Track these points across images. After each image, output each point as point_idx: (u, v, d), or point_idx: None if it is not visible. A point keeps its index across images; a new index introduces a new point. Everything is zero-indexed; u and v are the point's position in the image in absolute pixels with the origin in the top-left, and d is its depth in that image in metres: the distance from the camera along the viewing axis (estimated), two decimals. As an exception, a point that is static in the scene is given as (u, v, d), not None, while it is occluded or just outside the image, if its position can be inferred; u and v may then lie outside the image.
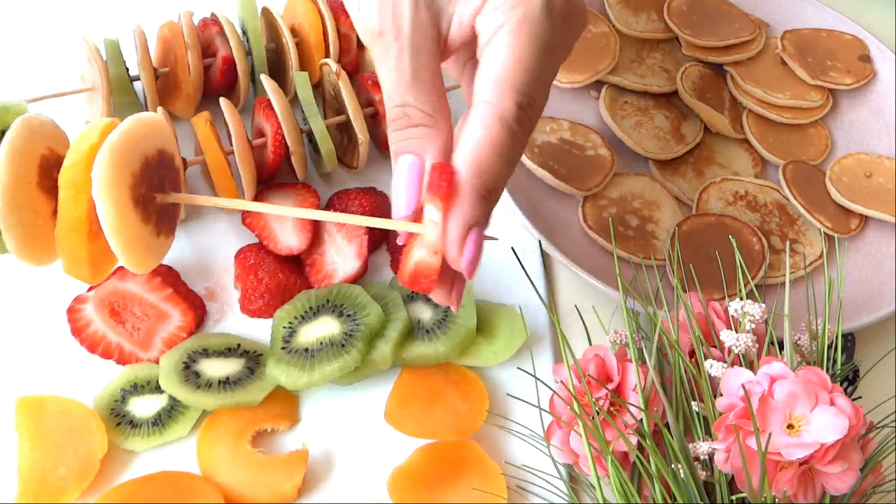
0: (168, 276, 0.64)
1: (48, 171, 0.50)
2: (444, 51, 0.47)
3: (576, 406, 0.51)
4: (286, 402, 0.61)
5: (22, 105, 0.52)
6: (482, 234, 0.45)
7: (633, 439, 0.51)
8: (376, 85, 0.70)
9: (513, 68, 0.44)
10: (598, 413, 0.51)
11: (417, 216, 0.46)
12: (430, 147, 0.45)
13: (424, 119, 0.45)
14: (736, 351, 0.52)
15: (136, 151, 0.49)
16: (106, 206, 0.47)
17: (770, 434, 0.46)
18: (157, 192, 0.51)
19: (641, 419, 0.51)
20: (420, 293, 0.55)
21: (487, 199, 0.45)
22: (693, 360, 0.54)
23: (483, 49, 0.46)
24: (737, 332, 0.52)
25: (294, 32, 0.74)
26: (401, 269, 0.47)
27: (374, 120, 0.71)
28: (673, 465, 0.49)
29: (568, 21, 0.47)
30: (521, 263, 0.61)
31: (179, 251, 0.68)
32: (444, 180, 0.44)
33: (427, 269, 0.45)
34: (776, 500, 0.47)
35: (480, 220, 0.44)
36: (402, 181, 0.46)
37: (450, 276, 0.48)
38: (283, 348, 0.61)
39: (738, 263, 0.57)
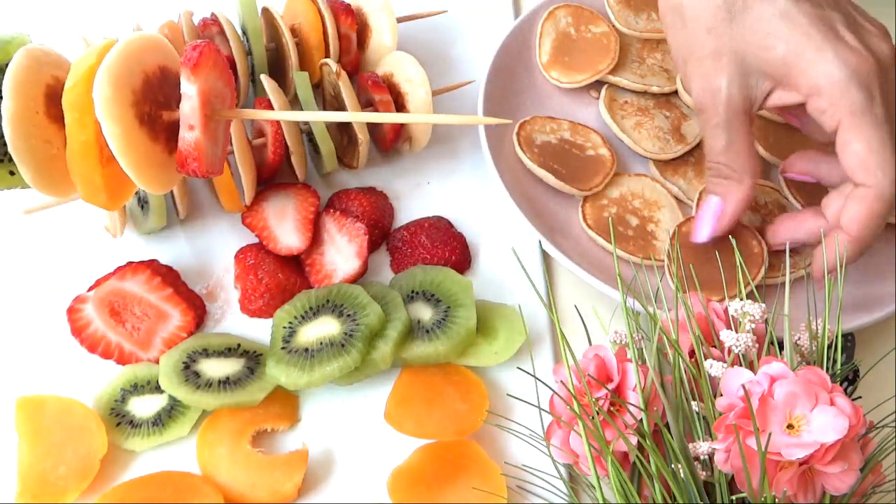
0: (168, 276, 0.64)
1: (55, 99, 0.50)
2: (753, 118, 0.61)
3: (576, 406, 0.51)
4: (286, 402, 0.61)
5: (24, 37, 0.52)
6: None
7: (633, 439, 0.51)
8: (376, 85, 0.70)
9: (869, 155, 0.56)
10: (598, 413, 0.51)
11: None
12: (732, 195, 0.61)
13: (732, 175, 0.61)
14: (736, 351, 0.51)
15: (135, 68, 0.49)
16: (110, 125, 0.47)
17: (770, 434, 0.46)
18: (164, 109, 0.50)
19: (641, 419, 0.51)
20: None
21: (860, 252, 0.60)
22: (693, 360, 0.54)
23: (834, 134, 0.57)
24: (737, 332, 0.52)
25: (294, 32, 0.74)
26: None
27: (374, 120, 0.71)
28: (673, 465, 0.49)
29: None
30: (521, 263, 0.61)
31: (179, 251, 0.68)
32: (202, 52, 0.49)
33: (186, 146, 0.50)
34: (776, 500, 0.47)
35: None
36: (706, 213, 0.63)
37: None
38: (283, 348, 0.61)
39: (738, 264, 0.57)
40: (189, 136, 0.49)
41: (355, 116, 0.64)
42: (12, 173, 0.51)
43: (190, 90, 0.49)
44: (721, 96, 0.58)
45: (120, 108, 0.47)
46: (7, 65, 0.49)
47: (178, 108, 0.50)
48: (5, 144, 0.49)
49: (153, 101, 0.50)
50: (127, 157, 0.48)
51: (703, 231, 0.63)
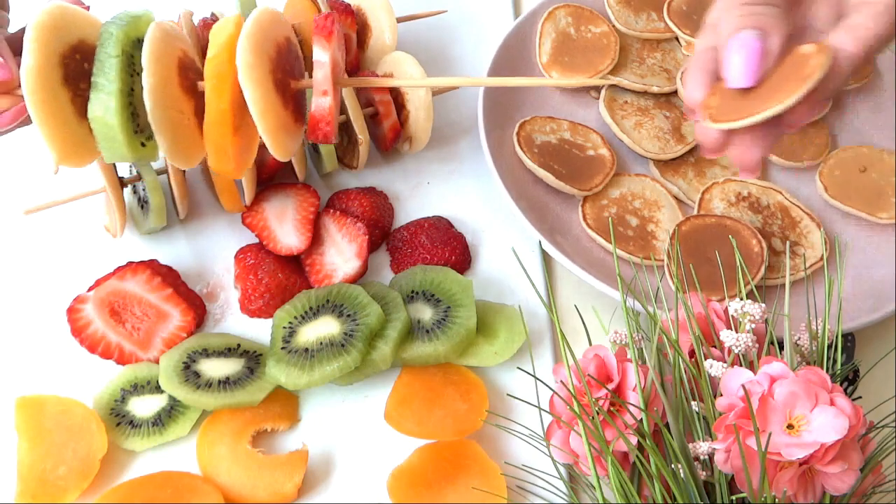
0: (168, 276, 0.64)
1: (185, 71, 0.52)
2: None
3: (576, 406, 0.51)
4: (286, 402, 0.61)
5: (149, 14, 0.54)
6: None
7: (633, 439, 0.51)
8: (376, 85, 0.70)
9: None
10: (598, 413, 0.51)
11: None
12: (777, 27, 0.48)
13: (779, 1, 0.48)
14: (736, 351, 0.51)
15: (269, 38, 0.51)
16: (252, 90, 0.49)
17: (770, 434, 0.46)
18: (291, 78, 0.53)
19: (641, 419, 0.51)
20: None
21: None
22: (693, 360, 0.54)
23: None
24: (737, 332, 0.52)
25: (294, 32, 0.74)
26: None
27: (374, 120, 0.71)
28: (673, 465, 0.49)
29: None
30: (521, 263, 0.61)
31: (179, 251, 0.68)
32: (333, 23, 0.52)
33: (319, 111, 0.53)
34: (776, 500, 0.47)
35: None
36: (744, 52, 0.48)
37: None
38: (283, 348, 0.61)
39: (738, 264, 0.57)
40: (323, 101, 0.52)
41: (464, 82, 0.70)
42: (143, 144, 0.52)
43: (323, 58, 0.51)
44: None
45: (261, 75, 0.50)
46: (140, 40, 0.51)
47: (301, 77, 0.53)
48: (137, 115, 0.51)
49: (283, 70, 0.52)
50: (266, 121, 0.50)
51: (746, 73, 0.49)
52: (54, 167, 0.51)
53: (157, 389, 0.60)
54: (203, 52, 0.70)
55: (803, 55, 0.48)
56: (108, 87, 0.49)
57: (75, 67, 0.51)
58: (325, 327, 0.61)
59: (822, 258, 0.68)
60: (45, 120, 0.49)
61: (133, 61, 0.51)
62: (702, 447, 0.49)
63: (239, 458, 0.58)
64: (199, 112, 0.52)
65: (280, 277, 0.65)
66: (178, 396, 0.59)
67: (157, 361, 0.61)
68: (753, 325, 0.52)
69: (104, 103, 0.49)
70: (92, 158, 0.52)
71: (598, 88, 0.77)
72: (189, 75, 0.52)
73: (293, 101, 0.53)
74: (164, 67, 0.50)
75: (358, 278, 0.65)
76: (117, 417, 0.59)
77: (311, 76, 0.53)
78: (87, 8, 0.54)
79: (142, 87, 0.49)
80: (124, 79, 0.50)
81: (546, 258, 0.69)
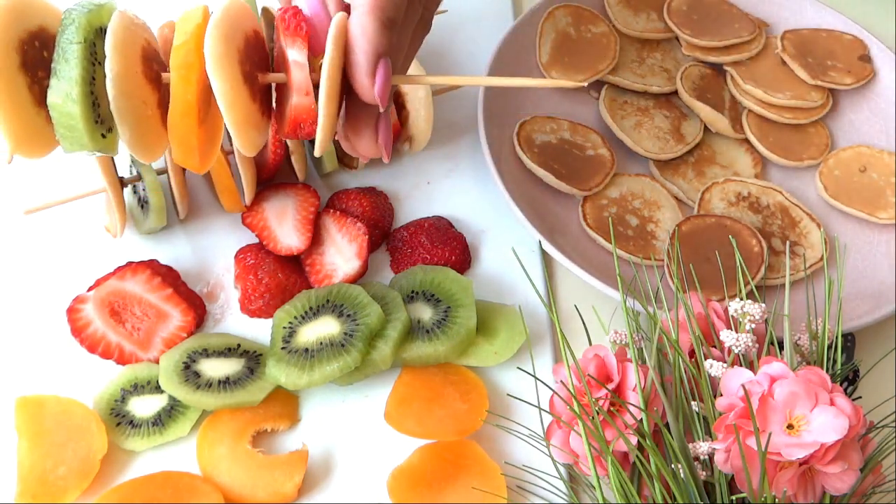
0: (168, 276, 0.64)
1: (149, 62, 0.50)
2: None
3: (576, 406, 0.51)
4: (286, 402, 0.61)
5: (112, 2, 0.52)
6: (389, 63, 0.50)
7: (633, 439, 0.51)
8: (376, 85, 0.69)
9: None
10: (598, 413, 0.51)
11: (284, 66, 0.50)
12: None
13: None
14: (736, 351, 0.52)
15: (238, 28, 0.50)
16: (220, 81, 0.48)
17: (770, 434, 0.46)
18: (258, 71, 0.52)
19: (641, 419, 0.51)
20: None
21: (389, 28, 0.50)
22: (693, 360, 0.54)
23: None
24: (737, 332, 0.52)
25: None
26: (279, 126, 0.51)
27: (374, 120, 0.71)
28: (673, 465, 0.49)
29: None
30: (521, 263, 0.61)
31: (179, 251, 0.68)
32: (301, 20, 0.49)
33: (303, 111, 0.50)
34: (776, 500, 0.47)
35: (387, 49, 0.49)
36: None
37: (369, 122, 0.52)
38: (283, 348, 0.61)
39: (738, 264, 0.57)
40: (305, 101, 0.50)
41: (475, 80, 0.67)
42: (104, 136, 0.50)
43: (299, 57, 0.50)
44: None
45: (230, 64, 0.48)
46: (103, 29, 0.49)
47: (269, 71, 0.52)
48: (98, 105, 0.49)
49: (252, 62, 0.51)
50: (233, 114, 0.49)
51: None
52: (8, 156, 0.50)
53: (157, 389, 0.60)
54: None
55: None
56: (70, 73, 0.48)
57: (34, 55, 0.49)
58: (325, 327, 0.61)
59: (821, 258, 0.68)
60: (0, 105, 0.48)
61: (95, 50, 0.49)
62: (702, 447, 0.49)
63: (239, 458, 0.58)
64: (163, 104, 0.51)
65: (280, 277, 0.65)
66: (178, 396, 0.59)
67: (157, 361, 0.61)
68: (753, 325, 0.52)
69: (65, 90, 0.48)
70: (49, 149, 0.51)
71: (598, 88, 0.77)
72: (153, 66, 0.51)
73: (261, 94, 0.52)
74: (128, 56, 0.49)
75: (358, 278, 0.65)
76: (117, 417, 0.59)
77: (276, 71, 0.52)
78: None
79: (104, 76, 0.48)
80: (86, 66, 0.48)
81: (546, 258, 0.69)
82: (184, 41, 0.49)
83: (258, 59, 0.52)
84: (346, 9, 0.51)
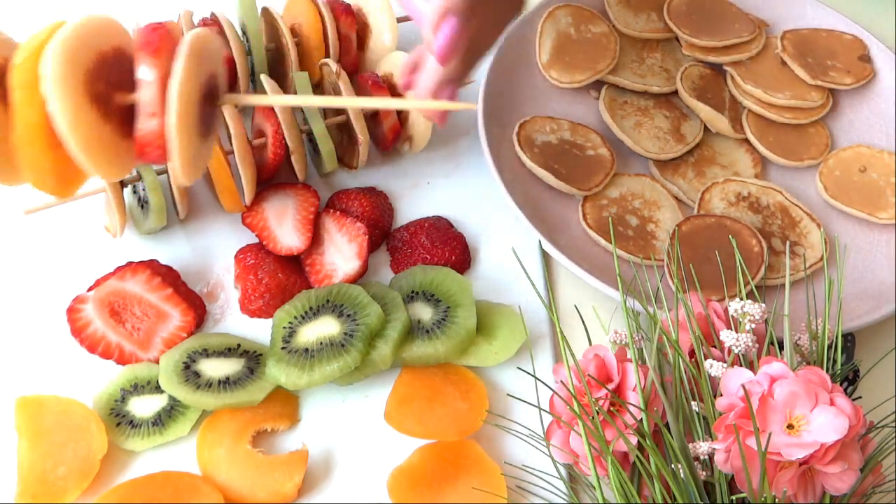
0: (168, 276, 0.64)
1: (1, 81, 0.47)
2: None
3: (576, 406, 0.51)
4: (286, 402, 0.61)
5: None
6: (455, 22, 0.52)
7: (633, 439, 0.51)
8: (376, 85, 0.70)
9: None
10: (598, 413, 0.51)
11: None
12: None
13: None
14: (736, 351, 0.52)
15: (89, 46, 0.46)
16: (56, 102, 0.44)
17: (770, 434, 0.46)
18: (117, 91, 0.48)
19: (641, 419, 0.51)
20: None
21: None
22: (693, 360, 0.54)
23: None
24: (737, 332, 0.52)
25: (294, 32, 0.74)
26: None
27: (374, 120, 0.71)
28: (673, 465, 0.49)
29: None
30: (521, 263, 0.61)
31: (179, 251, 0.68)
32: (159, 35, 0.47)
33: (148, 133, 0.47)
34: (776, 500, 0.47)
35: (458, 7, 0.52)
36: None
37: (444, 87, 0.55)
38: (283, 348, 0.61)
39: (738, 264, 0.57)
40: (151, 123, 0.47)
41: (345, 102, 0.64)
42: None
43: (149, 76, 0.46)
44: None
45: (69, 85, 0.45)
46: None
47: (133, 91, 0.48)
48: None
49: (107, 82, 0.47)
50: (75, 137, 0.45)
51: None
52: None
53: (157, 389, 0.60)
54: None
55: None
56: None
57: None
58: (325, 327, 0.61)
59: (821, 258, 0.68)
60: None
61: None
62: (702, 447, 0.49)
63: (239, 459, 0.58)
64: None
65: (280, 277, 0.65)
66: (178, 396, 0.59)
67: (157, 361, 0.61)
68: (753, 325, 0.52)
69: None
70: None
71: (598, 88, 0.77)
72: (4, 84, 0.47)
73: (120, 114, 0.48)
74: None
75: (358, 278, 0.65)
76: (117, 417, 0.59)
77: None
78: None
79: None
80: None
81: (546, 258, 0.69)
82: (24, 59, 0.46)
83: (117, 78, 0.48)
84: None
